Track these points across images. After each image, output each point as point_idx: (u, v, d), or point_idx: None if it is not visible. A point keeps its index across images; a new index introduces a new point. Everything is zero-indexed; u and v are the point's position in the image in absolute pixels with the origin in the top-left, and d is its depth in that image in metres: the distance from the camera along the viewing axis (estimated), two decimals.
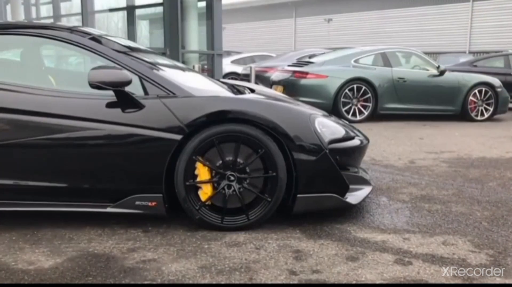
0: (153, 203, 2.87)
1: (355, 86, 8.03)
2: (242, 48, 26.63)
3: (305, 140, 2.92)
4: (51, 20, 12.68)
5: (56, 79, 3.31)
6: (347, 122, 3.74)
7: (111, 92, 2.82)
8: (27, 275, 2.33)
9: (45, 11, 15.03)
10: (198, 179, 2.92)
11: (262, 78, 10.76)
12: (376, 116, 8.41)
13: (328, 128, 3.11)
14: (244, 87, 3.86)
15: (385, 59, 8.48)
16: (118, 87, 2.75)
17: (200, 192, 2.95)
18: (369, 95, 8.09)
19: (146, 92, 2.92)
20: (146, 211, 2.89)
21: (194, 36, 9.21)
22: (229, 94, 3.28)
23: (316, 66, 8.31)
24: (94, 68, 2.75)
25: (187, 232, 2.93)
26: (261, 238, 2.86)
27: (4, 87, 2.84)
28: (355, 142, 3.31)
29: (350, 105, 8.07)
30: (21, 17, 12.29)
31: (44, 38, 3.07)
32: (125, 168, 2.87)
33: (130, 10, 9.91)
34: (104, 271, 2.39)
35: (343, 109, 7.98)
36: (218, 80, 4.14)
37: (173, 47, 8.61)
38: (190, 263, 2.50)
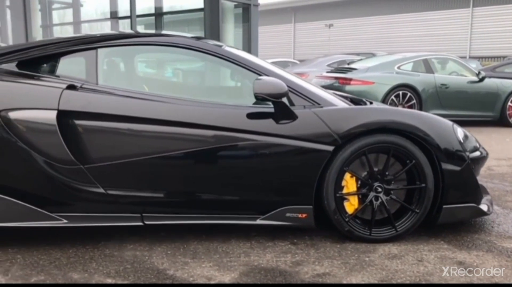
0: (304, 215, 2.84)
1: (400, 92, 8.06)
2: None
3: (452, 150, 2.91)
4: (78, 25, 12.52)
5: (196, 90, 3.27)
6: None
7: (255, 101, 2.83)
8: None
9: (64, 16, 14.90)
10: (345, 190, 2.90)
11: None
12: None
13: (466, 137, 3.11)
14: (348, 97, 3.82)
15: (427, 66, 8.52)
16: (278, 98, 2.71)
17: (346, 204, 2.91)
18: (414, 101, 8.12)
19: (291, 103, 2.88)
20: (296, 223, 2.86)
21: (231, 40, 9.20)
22: (374, 104, 3.25)
23: (360, 72, 8.32)
24: (257, 79, 2.71)
25: (336, 244, 2.90)
26: (413, 250, 2.84)
27: (157, 99, 2.80)
28: (483, 152, 3.31)
29: None
30: (37, 23, 12.16)
31: (179, 48, 3.02)
32: (276, 180, 2.83)
33: (170, 15, 9.89)
34: None
35: None
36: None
37: None
38: (366, 277, 2.47)
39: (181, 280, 2.41)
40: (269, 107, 2.84)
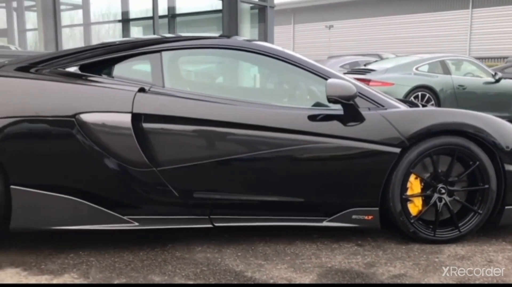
0: (370, 217, 2.87)
1: (419, 93, 8.10)
2: None
3: None
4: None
5: (257, 92, 3.29)
6: None
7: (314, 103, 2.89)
8: None
9: (73, 18, 14.84)
10: (409, 192, 2.92)
11: None
12: None
13: None
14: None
15: (444, 67, 8.58)
16: (349, 100, 2.73)
17: (410, 205, 2.94)
18: (432, 102, 8.17)
19: (356, 105, 2.90)
20: (362, 225, 2.88)
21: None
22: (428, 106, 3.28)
23: (379, 73, 8.36)
24: (329, 82, 2.73)
25: (401, 245, 2.93)
26: (478, 251, 2.87)
27: (226, 102, 2.84)
28: None
29: None
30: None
31: (245, 51, 3.04)
32: (343, 182, 2.85)
33: (189, 16, 9.91)
34: None
35: None
36: None
37: None
38: (443, 278, 2.50)
39: (261, 282, 2.43)
40: (332, 109, 2.87)
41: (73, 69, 2.91)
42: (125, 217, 2.68)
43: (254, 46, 3.03)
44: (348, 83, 2.76)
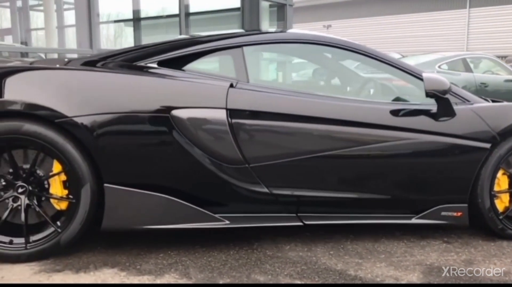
0: (459, 214, 2.83)
1: None
2: None
3: None
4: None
5: (339, 88, 3.23)
6: None
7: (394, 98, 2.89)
8: None
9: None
10: (497, 188, 2.89)
11: None
12: None
13: None
14: None
15: (466, 65, 8.58)
16: (444, 94, 2.69)
17: (497, 201, 2.90)
18: None
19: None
20: (451, 221, 2.85)
21: None
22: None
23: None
24: (426, 77, 2.69)
25: (489, 242, 2.92)
26: None
27: (315, 97, 2.81)
28: None
29: None
30: (54, 24, 11.99)
31: (329, 47, 3.00)
32: (433, 179, 2.81)
33: (206, 14, 9.83)
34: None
35: None
36: None
37: None
38: None
39: (368, 281, 2.37)
40: (418, 104, 2.87)
41: (152, 64, 2.82)
42: (216, 215, 2.61)
43: (338, 41, 2.98)
44: (442, 78, 2.73)
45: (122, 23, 11.42)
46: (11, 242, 2.49)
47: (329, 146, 2.68)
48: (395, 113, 2.78)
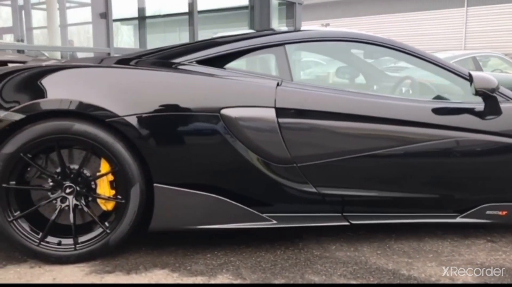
0: (504, 212, 2.82)
1: None
2: None
3: None
4: None
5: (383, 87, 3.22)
6: None
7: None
8: None
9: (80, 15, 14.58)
10: None
11: None
12: None
13: None
14: None
15: (476, 63, 8.59)
16: (493, 92, 2.68)
17: None
18: None
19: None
20: (496, 220, 2.84)
21: None
22: None
23: (414, 71, 8.33)
24: (475, 76, 2.68)
25: None
26: None
27: (363, 96, 2.81)
28: None
29: None
30: (56, 22, 11.91)
31: (373, 45, 2.98)
32: (478, 178, 2.80)
33: (216, 12, 9.81)
34: None
35: None
36: None
37: None
38: None
39: (423, 281, 2.36)
40: (460, 103, 2.87)
41: (193, 63, 2.79)
42: (264, 215, 2.59)
43: (377, 39, 2.96)
44: (490, 76, 2.71)
45: (127, 22, 11.37)
46: (59, 243, 2.46)
47: (375, 145, 2.67)
48: (438, 111, 2.76)
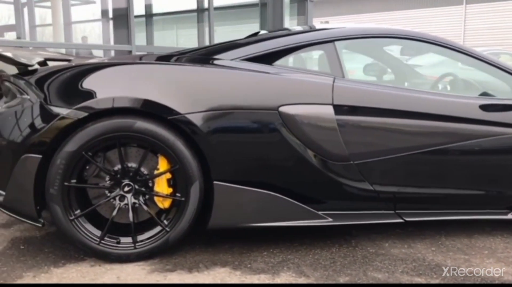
0: None
1: None
2: None
3: None
4: None
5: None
6: None
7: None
8: None
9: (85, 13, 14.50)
10: None
11: None
12: None
13: None
14: None
15: None
16: None
17: None
18: None
19: None
20: None
21: None
22: None
23: (425, 68, 8.34)
24: None
25: None
26: None
27: (418, 93, 2.81)
28: None
29: None
30: (60, 20, 11.87)
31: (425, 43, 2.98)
32: None
33: (231, 8, 9.80)
34: None
35: None
36: None
37: None
38: None
39: (487, 278, 2.36)
40: (509, 99, 2.86)
41: (242, 60, 2.78)
42: (320, 213, 2.58)
43: (428, 36, 2.96)
44: None
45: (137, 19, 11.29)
46: (118, 242, 2.44)
47: (430, 142, 2.67)
48: (489, 108, 2.77)
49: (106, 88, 2.37)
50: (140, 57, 3.18)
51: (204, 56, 2.84)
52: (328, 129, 2.52)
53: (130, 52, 5.66)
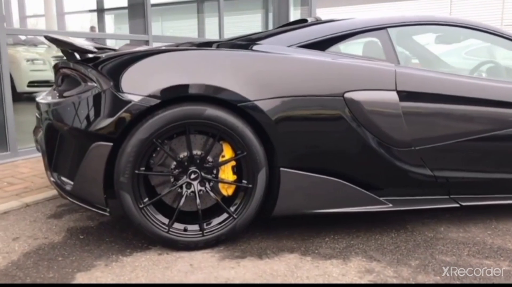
0: None
1: None
2: None
3: None
4: None
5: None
6: None
7: None
8: None
9: (81, 4, 14.26)
10: None
11: None
12: None
13: None
14: None
15: (490, 51, 8.72)
16: None
17: None
18: None
19: None
20: None
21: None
22: None
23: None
24: None
25: None
26: None
27: (479, 80, 2.82)
28: None
29: None
30: (53, 12, 11.72)
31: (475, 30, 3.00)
32: None
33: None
34: None
35: None
36: None
37: None
38: None
39: None
40: None
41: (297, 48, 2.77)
42: (381, 199, 2.60)
43: (474, 23, 2.99)
44: None
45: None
46: (185, 229, 2.43)
47: (489, 127, 2.71)
48: None
49: (177, 74, 2.34)
50: (177, 45, 3.14)
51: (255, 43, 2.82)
52: (393, 115, 2.54)
53: (146, 42, 5.60)
